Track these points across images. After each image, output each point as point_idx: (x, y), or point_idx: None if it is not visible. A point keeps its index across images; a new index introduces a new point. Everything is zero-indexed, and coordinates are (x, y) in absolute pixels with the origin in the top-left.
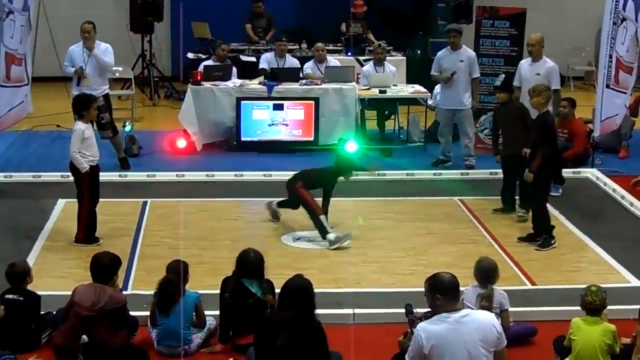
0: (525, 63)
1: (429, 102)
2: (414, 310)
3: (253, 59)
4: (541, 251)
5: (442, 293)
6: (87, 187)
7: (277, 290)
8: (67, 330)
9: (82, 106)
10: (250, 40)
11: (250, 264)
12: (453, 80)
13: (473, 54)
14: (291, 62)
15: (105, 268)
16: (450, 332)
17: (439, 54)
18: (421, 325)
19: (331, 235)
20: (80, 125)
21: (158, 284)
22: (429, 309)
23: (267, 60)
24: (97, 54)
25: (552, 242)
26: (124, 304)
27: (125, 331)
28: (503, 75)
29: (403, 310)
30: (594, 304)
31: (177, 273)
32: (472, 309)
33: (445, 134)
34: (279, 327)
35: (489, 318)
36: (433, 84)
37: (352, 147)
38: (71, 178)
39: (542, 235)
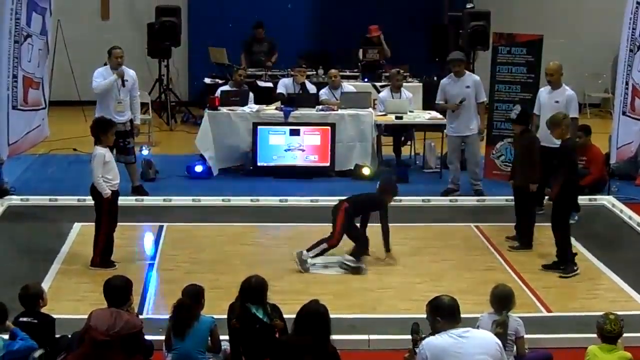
0: (544, 91)
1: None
2: (420, 331)
3: (270, 84)
4: (565, 277)
5: (442, 315)
6: (107, 212)
7: (287, 315)
8: (81, 354)
9: (101, 130)
10: (244, 67)
11: (252, 289)
12: (461, 107)
13: (477, 78)
14: (309, 88)
15: (119, 291)
16: (454, 346)
17: (442, 81)
18: (425, 341)
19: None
20: (100, 150)
21: (172, 307)
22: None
23: (284, 85)
24: (131, 84)
25: (575, 268)
26: (139, 329)
27: (141, 357)
28: (519, 107)
29: None
30: (612, 332)
31: (192, 297)
32: None
33: (454, 161)
34: (298, 352)
35: (489, 335)
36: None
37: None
38: (88, 202)
39: (565, 263)
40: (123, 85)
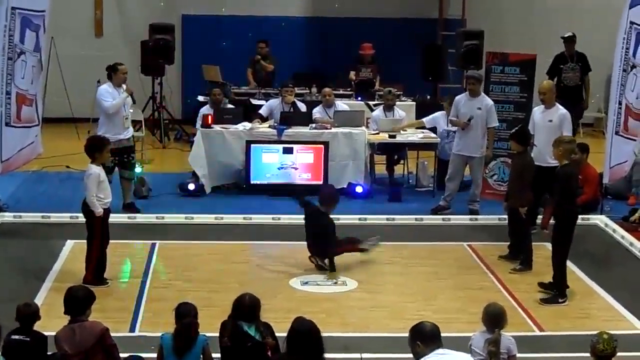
0: (537, 110)
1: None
2: None
3: (263, 102)
4: (543, 305)
5: (422, 340)
6: (99, 230)
7: (279, 333)
8: None
9: (96, 148)
10: (249, 84)
11: (245, 307)
12: (470, 127)
13: (491, 102)
14: (300, 107)
15: (77, 301)
16: None
17: (457, 98)
18: None
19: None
20: (94, 169)
21: (177, 326)
22: None
23: (269, 107)
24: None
25: (560, 300)
26: (103, 331)
27: (115, 349)
28: (520, 126)
29: (412, 356)
30: (605, 352)
31: (184, 316)
32: (480, 355)
33: (455, 180)
34: None
35: (467, 355)
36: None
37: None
38: (80, 219)
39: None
40: (134, 101)
